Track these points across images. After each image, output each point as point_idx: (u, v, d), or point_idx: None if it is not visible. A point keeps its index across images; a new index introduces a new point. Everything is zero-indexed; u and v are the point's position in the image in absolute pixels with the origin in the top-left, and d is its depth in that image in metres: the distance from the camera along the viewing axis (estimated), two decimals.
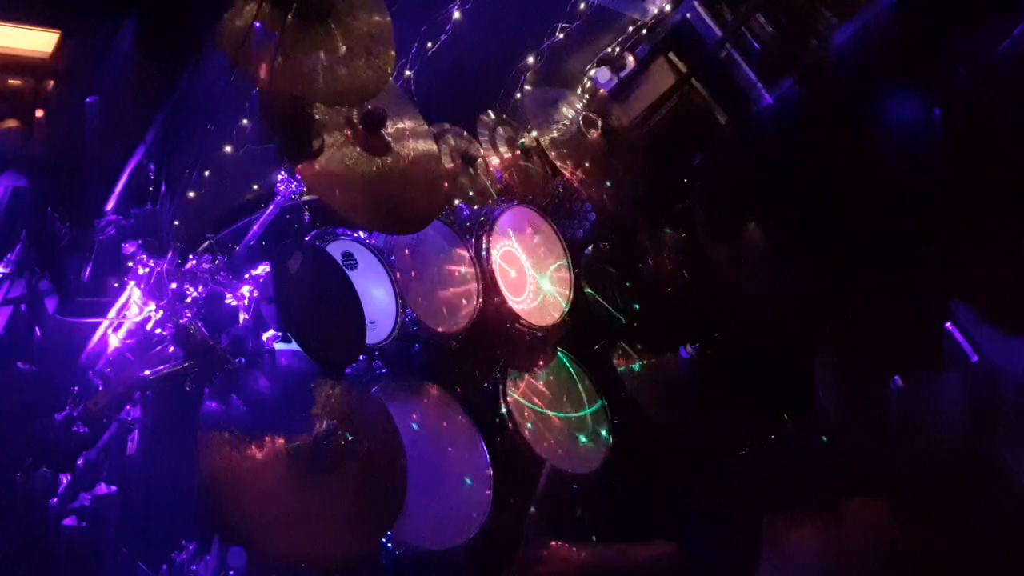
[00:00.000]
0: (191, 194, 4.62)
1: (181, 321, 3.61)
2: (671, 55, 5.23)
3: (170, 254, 3.83)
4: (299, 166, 3.68)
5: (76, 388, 3.77)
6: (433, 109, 4.54)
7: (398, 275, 4.12)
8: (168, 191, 4.56)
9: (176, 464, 3.42)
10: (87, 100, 4.62)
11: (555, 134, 4.80)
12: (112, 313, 3.87)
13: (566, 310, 4.65)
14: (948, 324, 3.69)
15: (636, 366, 4.67)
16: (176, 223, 4.43)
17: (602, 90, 5.29)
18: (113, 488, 3.54)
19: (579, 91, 5.29)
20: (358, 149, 3.79)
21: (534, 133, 4.93)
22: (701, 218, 4.71)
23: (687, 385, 4.59)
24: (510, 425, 4.14)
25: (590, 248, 4.93)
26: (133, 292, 3.79)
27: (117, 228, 4.25)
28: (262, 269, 3.91)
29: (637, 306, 4.89)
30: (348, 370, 3.72)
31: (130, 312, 3.80)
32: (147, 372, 3.60)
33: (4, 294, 3.93)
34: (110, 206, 4.45)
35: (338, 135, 3.75)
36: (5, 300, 3.92)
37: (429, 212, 4.10)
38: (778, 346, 4.40)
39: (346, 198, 3.73)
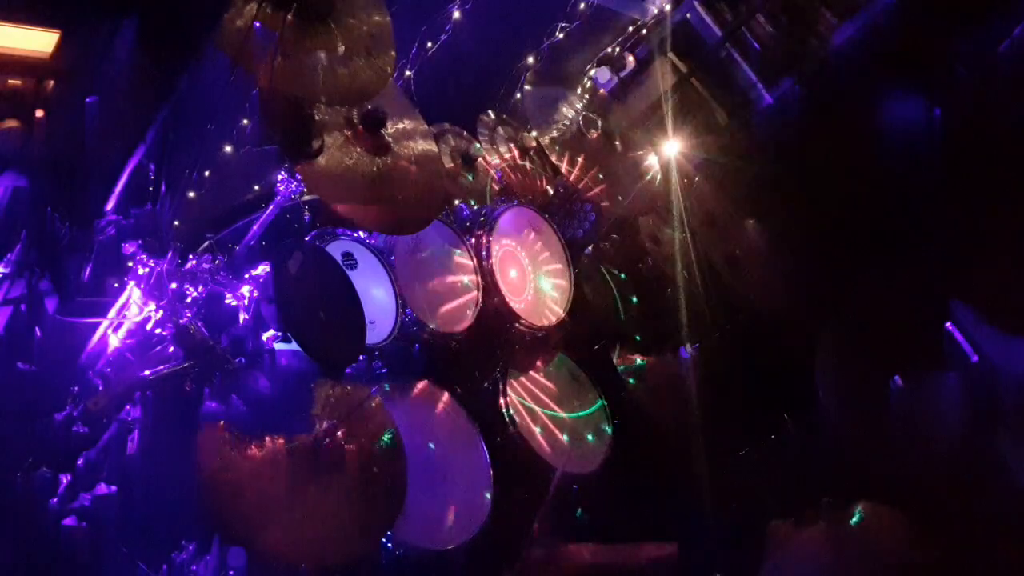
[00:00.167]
0: (191, 194, 4.63)
1: (181, 321, 3.61)
2: (671, 55, 5.23)
3: (170, 254, 3.84)
4: (299, 166, 3.68)
5: (76, 388, 3.77)
6: (433, 109, 4.54)
7: (398, 275, 4.12)
8: (168, 191, 4.56)
9: (176, 464, 3.42)
10: (87, 100, 4.62)
11: (555, 134, 4.80)
12: (112, 313, 3.87)
13: (566, 310, 4.65)
14: (948, 324, 3.69)
15: (636, 366, 4.67)
16: (176, 223, 4.44)
17: (602, 90, 5.29)
18: (113, 488, 3.55)
19: (579, 91, 5.29)
20: (358, 149, 3.79)
21: (534, 133, 4.93)
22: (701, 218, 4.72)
23: (687, 385, 4.59)
24: (510, 425, 4.14)
25: (590, 248, 4.93)
26: (133, 292, 3.80)
27: (117, 228, 4.26)
28: (262, 269, 3.91)
29: (637, 306, 4.89)
30: (348, 370, 3.72)
31: (130, 312, 3.81)
32: (147, 372, 3.61)
33: (4, 294, 3.94)
34: (110, 206, 4.45)
35: (338, 135, 3.75)
36: (5, 300, 3.93)
37: (429, 212, 4.10)
38: (778, 346, 4.40)
39: (346, 198, 3.73)
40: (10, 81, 4.66)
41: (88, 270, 4.18)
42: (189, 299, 3.73)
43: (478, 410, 4.15)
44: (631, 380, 4.61)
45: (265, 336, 3.77)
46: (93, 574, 3.45)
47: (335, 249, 4.01)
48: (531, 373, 4.44)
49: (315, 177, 3.67)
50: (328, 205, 3.91)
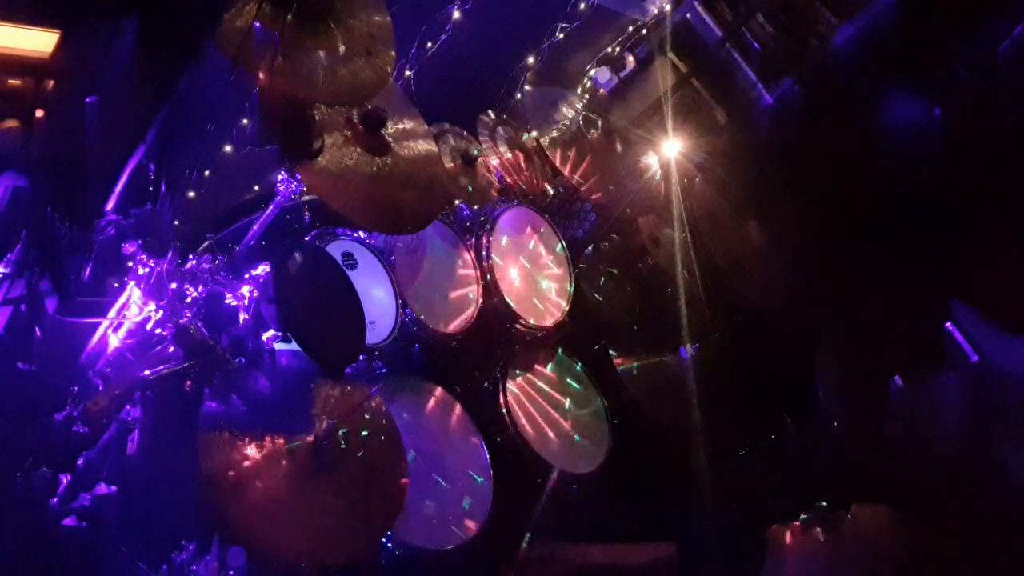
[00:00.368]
0: (191, 194, 4.63)
1: (181, 321, 3.61)
2: (671, 55, 5.23)
3: (170, 254, 3.83)
4: (299, 166, 3.68)
5: (76, 388, 3.77)
6: (433, 109, 4.54)
7: (398, 275, 4.12)
8: (168, 191, 4.56)
9: (176, 464, 3.42)
10: (87, 100, 4.62)
11: (555, 134, 4.80)
12: (112, 313, 3.87)
13: (566, 310, 4.65)
14: (948, 324, 3.69)
15: (636, 366, 4.67)
16: (176, 223, 4.44)
17: (602, 90, 5.29)
18: (113, 488, 3.54)
19: (579, 91, 5.29)
20: (358, 149, 3.79)
21: (534, 133, 4.93)
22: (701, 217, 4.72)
23: (687, 385, 4.59)
24: (510, 425, 4.14)
25: (590, 248, 4.93)
26: (133, 292, 3.79)
27: (117, 228, 4.25)
28: (262, 269, 3.91)
29: (637, 306, 4.89)
30: (348, 370, 3.72)
31: (130, 312, 3.80)
32: (147, 372, 3.60)
33: (4, 294, 3.93)
34: (110, 206, 4.45)
35: (338, 135, 3.75)
36: (5, 300, 3.92)
37: (429, 212, 4.10)
38: (779, 346, 4.40)
39: (346, 198, 3.73)
40: (10, 81, 4.66)
41: (88, 270, 4.17)
42: (189, 299, 3.73)
43: (478, 410, 4.15)
44: (631, 380, 4.60)
45: (265, 336, 3.76)
46: (93, 574, 3.44)
47: (335, 249, 4.01)
48: (531, 373, 4.44)
49: (315, 177, 3.67)
50: (328, 205, 3.90)
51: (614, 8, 5.46)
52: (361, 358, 3.88)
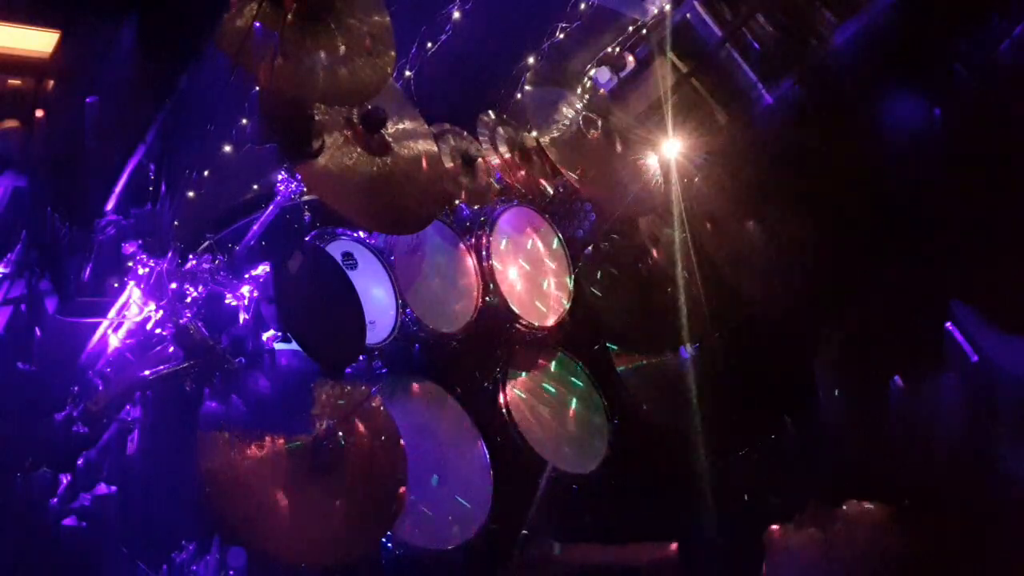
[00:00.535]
0: (191, 194, 4.63)
1: (181, 321, 3.61)
2: (671, 55, 5.23)
3: (170, 254, 3.83)
4: (299, 166, 3.68)
5: (76, 388, 3.77)
6: (433, 109, 4.54)
7: (398, 275, 4.12)
8: (168, 191, 4.56)
9: (176, 464, 3.42)
10: (87, 100, 4.62)
11: (555, 134, 4.80)
12: (112, 313, 3.87)
13: (565, 310, 4.65)
14: (948, 324, 3.69)
15: (636, 366, 4.67)
16: (176, 223, 4.43)
17: (602, 90, 5.29)
18: (113, 488, 3.54)
19: (579, 91, 5.29)
20: (358, 149, 3.79)
21: (534, 133, 4.92)
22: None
23: (687, 385, 4.59)
24: (510, 425, 4.13)
25: (590, 248, 4.92)
26: (133, 292, 3.79)
27: (117, 228, 4.26)
28: (262, 269, 3.91)
29: (637, 306, 4.89)
30: (348, 370, 3.72)
31: (130, 312, 3.80)
32: (147, 372, 3.60)
33: (4, 294, 3.93)
34: (110, 206, 4.45)
35: (338, 135, 3.75)
36: (5, 300, 3.92)
37: (429, 212, 4.10)
38: (778, 346, 4.40)
39: (346, 198, 3.73)
40: (10, 81, 4.66)
41: (88, 270, 4.18)
42: (189, 299, 3.73)
43: (478, 410, 4.15)
44: (631, 380, 4.60)
45: (265, 336, 3.76)
46: (93, 574, 3.44)
47: (335, 249, 4.01)
48: (531, 373, 4.44)
49: (315, 177, 3.67)
50: (328, 205, 3.90)
51: (614, 8, 5.46)
52: (361, 358, 3.89)
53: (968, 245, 3.89)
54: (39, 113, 4.69)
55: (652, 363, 4.70)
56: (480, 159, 4.84)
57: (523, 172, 5.02)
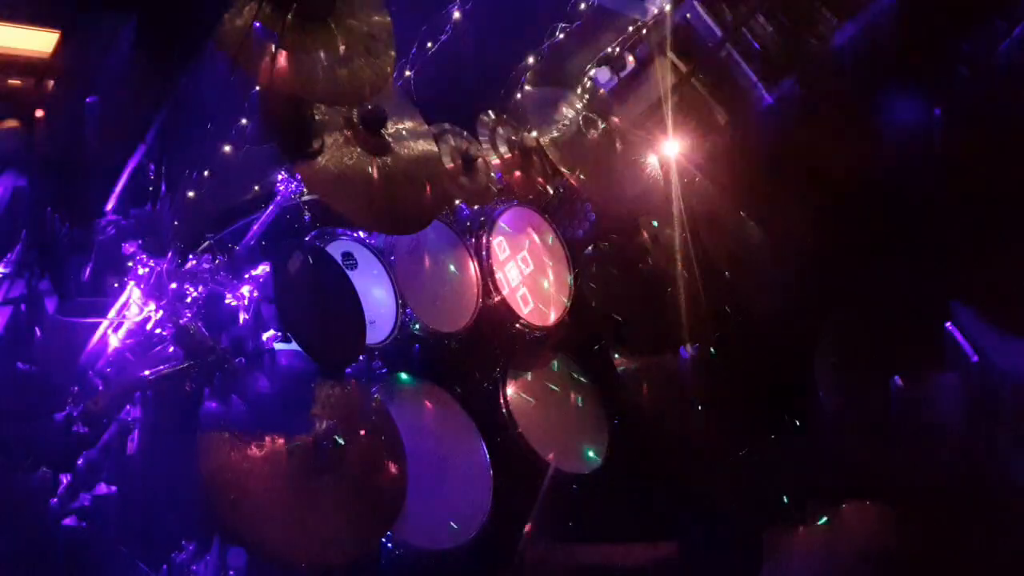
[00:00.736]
0: (191, 194, 4.63)
1: (181, 321, 3.61)
2: (671, 55, 5.23)
3: (170, 254, 3.84)
4: (299, 166, 3.68)
5: (76, 388, 3.77)
6: (433, 109, 4.54)
7: (398, 275, 4.12)
8: (168, 191, 4.56)
9: (176, 464, 3.42)
10: (87, 100, 4.62)
11: (555, 134, 4.80)
12: (112, 313, 3.87)
13: (565, 310, 4.65)
14: (948, 324, 3.69)
15: (636, 366, 4.67)
16: (176, 223, 4.44)
17: (602, 90, 5.29)
18: (113, 488, 3.54)
19: (579, 91, 5.29)
20: (358, 149, 3.79)
21: (534, 133, 4.92)
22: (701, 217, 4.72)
23: (687, 385, 4.59)
24: (510, 425, 4.14)
25: (590, 248, 4.92)
26: (133, 292, 3.80)
27: (117, 228, 4.26)
28: (262, 269, 3.91)
29: (637, 306, 4.88)
30: (348, 370, 3.72)
31: (130, 312, 3.81)
32: (147, 372, 3.60)
33: (4, 294, 3.93)
34: (110, 206, 4.45)
35: (338, 135, 3.75)
36: (5, 300, 3.92)
37: (429, 212, 4.10)
38: (779, 346, 4.40)
39: (346, 198, 3.73)
40: (10, 81, 4.66)
41: (88, 270, 4.18)
42: (189, 299, 3.73)
43: (478, 410, 4.15)
44: (631, 380, 4.60)
45: (265, 336, 3.77)
46: (93, 574, 3.44)
47: (335, 249, 4.01)
48: (531, 373, 4.44)
49: (315, 177, 3.67)
50: (328, 205, 3.90)
51: (614, 8, 5.46)
52: (361, 358, 3.89)
53: (968, 245, 3.89)
54: (39, 113, 4.69)
55: (652, 363, 4.70)
56: (480, 159, 4.84)
57: (523, 172, 5.02)
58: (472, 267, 4.46)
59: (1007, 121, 4.02)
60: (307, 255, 3.68)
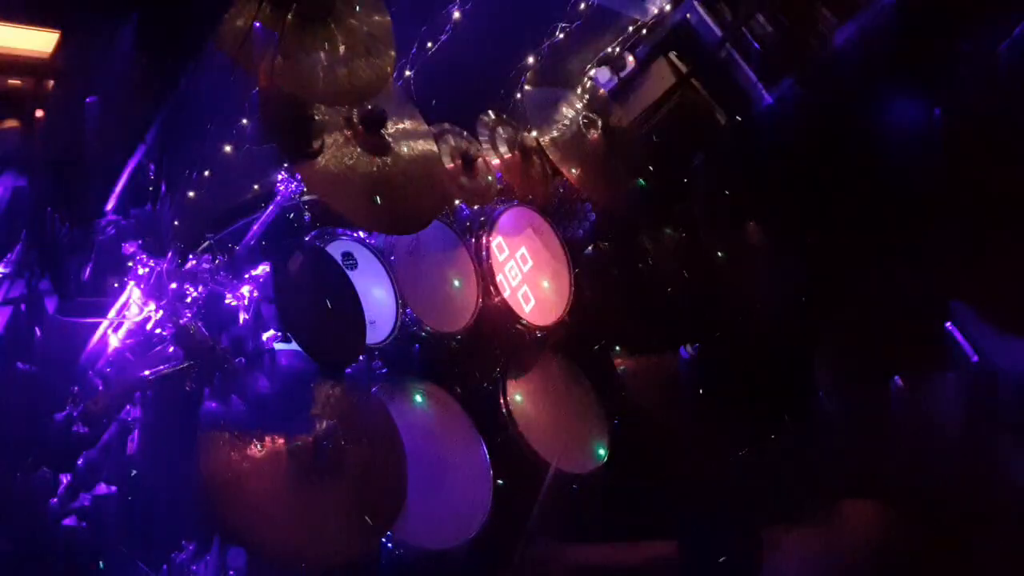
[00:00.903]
0: (191, 194, 4.62)
1: (181, 321, 3.61)
2: (671, 55, 5.23)
3: (170, 254, 3.84)
4: (299, 166, 3.68)
5: (76, 388, 3.76)
6: (433, 109, 4.54)
7: (398, 275, 4.12)
8: (168, 191, 4.56)
9: (176, 464, 3.42)
10: (87, 100, 4.61)
11: (555, 134, 4.80)
12: (112, 313, 3.87)
13: (566, 310, 4.65)
14: (948, 324, 3.69)
15: (636, 366, 4.67)
16: (176, 223, 4.43)
17: (602, 90, 5.29)
18: (113, 488, 3.54)
19: (579, 91, 5.29)
20: (358, 149, 3.79)
21: (534, 133, 4.92)
22: (701, 218, 4.72)
23: (687, 385, 4.59)
24: (510, 425, 4.14)
25: (590, 248, 4.93)
26: (133, 292, 3.79)
27: (117, 228, 4.25)
28: (262, 269, 3.91)
29: (637, 306, 4.89)
30: (348, 370, 3.72)
31: (130, 312, 3.80)
32: (147, 372, 3.60)
33: (4, 294, 3.93)
34: (110, 206, 4.45)
35: (338, 135, 3.75)
36: (5, 300, 3.92)
37: (429, 212, 4.10)
38: (778, 346, 4.40)
39: (346, 198, 3.73)
40: (10, 81, 4.65)
41: (88, 270, 4.17)
42: (189, 299, 3.73)
43: (478, 410, 4.15)
44: (631, 380, 4.60)
45: (265, 336, 3.77)
46: (93, 574, 3.44)
47: (335, 249, 4.01)
48: (531, 373, 4.44)
49: (315, 177, 3.67)
50: (328, 205, 3.90)
51: (614, 8, 5.46)
52: (361, 358, 3.89)
53: (968, 245, 3.89)
54: (39, 113, 4.69)
55: (652, 363, 4.70)
56: (480, 159, 4.84)
57: (523, 172, 5.02)
58: (472, 267, 4.46)
59: (1007, 121, 4.02)
60: (307, 255, 3.68)
